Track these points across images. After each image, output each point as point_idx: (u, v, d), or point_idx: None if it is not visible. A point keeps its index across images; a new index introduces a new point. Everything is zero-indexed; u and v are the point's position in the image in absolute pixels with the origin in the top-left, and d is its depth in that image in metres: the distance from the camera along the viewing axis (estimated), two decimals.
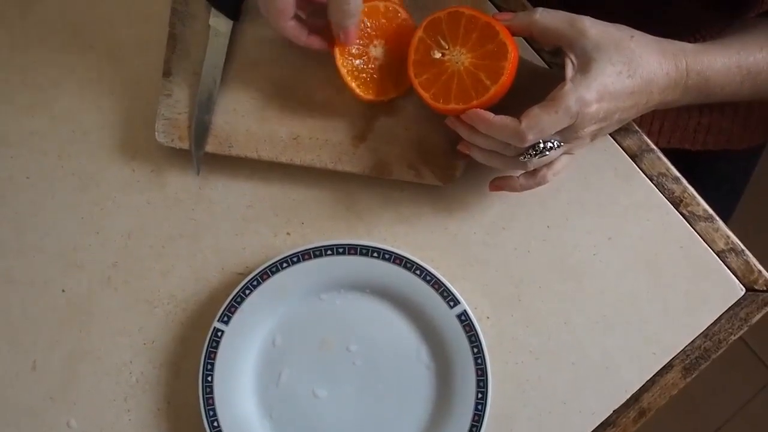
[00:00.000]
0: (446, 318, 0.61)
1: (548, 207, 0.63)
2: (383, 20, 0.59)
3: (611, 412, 0.63)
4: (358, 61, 0.59)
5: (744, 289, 0.63)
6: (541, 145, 0.54)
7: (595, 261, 0.63)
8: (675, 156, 0.65)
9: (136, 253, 0.63)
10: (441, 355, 0.62)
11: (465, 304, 0.61)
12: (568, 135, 0.54)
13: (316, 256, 0.61)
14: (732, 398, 1.42)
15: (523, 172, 0.58)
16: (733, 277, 0.63)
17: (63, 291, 0.63)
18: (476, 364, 0.61)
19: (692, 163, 0.71)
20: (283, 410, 0.63)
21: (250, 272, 0.61)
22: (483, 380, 0.61)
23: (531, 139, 0.53)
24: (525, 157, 0.55)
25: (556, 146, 0.54)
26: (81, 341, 0.63)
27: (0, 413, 0.63)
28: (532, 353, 0.63)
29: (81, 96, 0.64)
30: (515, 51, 0.54)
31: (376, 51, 0.59)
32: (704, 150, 0.79)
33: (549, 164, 0.57)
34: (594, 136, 0.57)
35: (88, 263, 0.64)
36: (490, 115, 0.54)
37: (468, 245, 0.64)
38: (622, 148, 0.64)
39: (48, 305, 0.63)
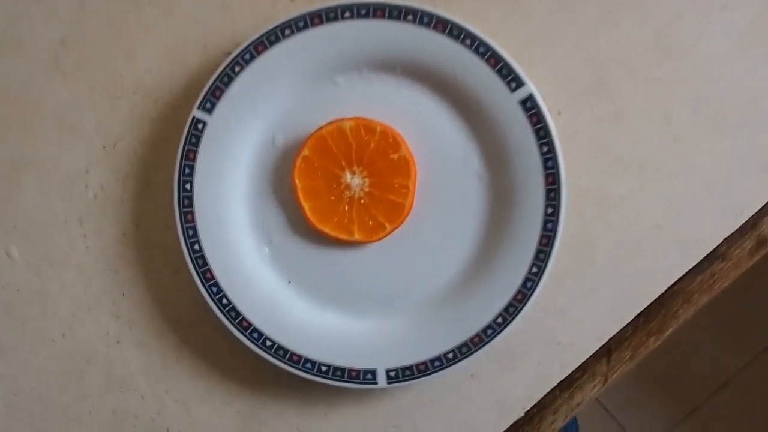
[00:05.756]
0: (505, 105, 0.45)
1: None
2: None
3: (721, 240, 0.48)
4: None
5: None
6: None
7: (703, 36, 0.47)
8: None
9: (91, 25, 0.48)
10: (497, 159, 0.46)
11: (531, 86, 0.45)
12: None
13: (329, 20, 0.45)
14: None
15: None
16: None
17: None
18: (545, 168, 0.45)
19: None
20: (286, 234, 0.48)
21: None
22: (555, 190, 0.45)
23: None
24: None
25: None
26: (21, 145, 0.48)
27: None
28: (619, 161, 0.47)
29: None
30: None
31: None
32: None
33: None
34: None
35: (27, 40, 0.48)
36: None
37: (534, 13, 0.47)
38: None
39: None
